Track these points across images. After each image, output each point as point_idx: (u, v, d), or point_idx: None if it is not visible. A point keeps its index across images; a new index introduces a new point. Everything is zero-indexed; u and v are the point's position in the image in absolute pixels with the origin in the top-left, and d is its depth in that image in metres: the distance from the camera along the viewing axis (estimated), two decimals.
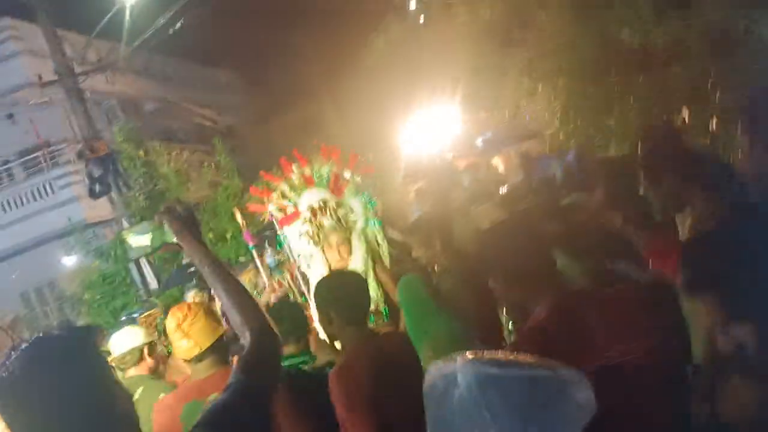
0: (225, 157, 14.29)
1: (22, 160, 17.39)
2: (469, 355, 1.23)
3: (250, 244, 4.95)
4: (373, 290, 3.52)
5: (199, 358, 2.74)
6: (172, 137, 19.10)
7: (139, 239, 1.75)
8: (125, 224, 11.71)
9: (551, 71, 7.29)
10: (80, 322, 13.55)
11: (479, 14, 8.62)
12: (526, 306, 1.76)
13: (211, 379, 2.67)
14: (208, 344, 2.72)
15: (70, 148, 14.95)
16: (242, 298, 1.55)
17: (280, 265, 5.19)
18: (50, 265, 15.73)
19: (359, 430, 2.20)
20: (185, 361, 2.82)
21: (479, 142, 15.22)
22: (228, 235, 12.29)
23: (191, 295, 8.25)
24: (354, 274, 2.82)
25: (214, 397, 1.46)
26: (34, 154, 16.99)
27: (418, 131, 17.02)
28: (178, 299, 10.06)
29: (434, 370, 1.25)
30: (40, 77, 12.83)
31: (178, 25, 12.42)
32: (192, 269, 10.13)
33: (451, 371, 1.20)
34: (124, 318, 9.56)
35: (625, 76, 6.51)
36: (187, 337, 2.72)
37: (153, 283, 11.13)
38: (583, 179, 3.60)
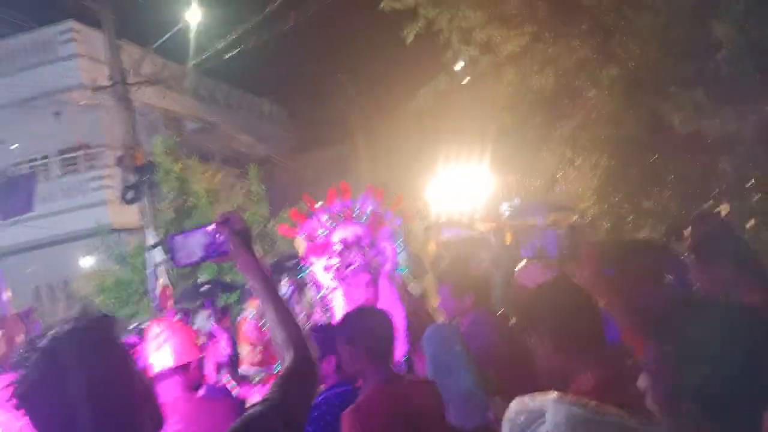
0: (256, 184, 14.46)
1: (61, 157, 17.76)
2: (556, 394, 1.21)
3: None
4: None
5: (178, 371, 2.63)
6: (208, 157, 19.41)
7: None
8: (148, 234, 11.83)
9: (594, 144, 7.26)
10: None
11: (528, 81, 8.69)
12: (566, 371, 1.69)
13: (173, 405, 2.49)
14: (181, 362, 2.63)
15: (108, 153, 15.24)
16: (288, 317, 1.58)
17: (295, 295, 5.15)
18: (67, 264, 15.86)
19: None
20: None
21: (504, 207, 15.19)
22: None
23: (200, 318, 8.21)
24: (382, 312, 2.77)
25: None
26: (73, 154, 17.35)
27: (447, 186, 17.07)
28: (187, 315, 10.06)
29: (519, 405, 1.25)
30: (93, 81, 13.20)
31: (234, 52, 12.77)
32: (203, 288, 10.20)
33: (538, 408, 1.19)
34: (132, 327, 9.58)
35: (668, 160, 6.47)
36: (159, 350, 2.63)
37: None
38: (574, 254, 3.59)
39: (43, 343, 1.19)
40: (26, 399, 1.16)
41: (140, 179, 11.37)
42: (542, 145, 8.03)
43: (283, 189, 22.30)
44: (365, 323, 2.43)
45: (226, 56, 12.57)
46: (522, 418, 1.22)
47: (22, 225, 15.47)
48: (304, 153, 28.18)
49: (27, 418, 1.16)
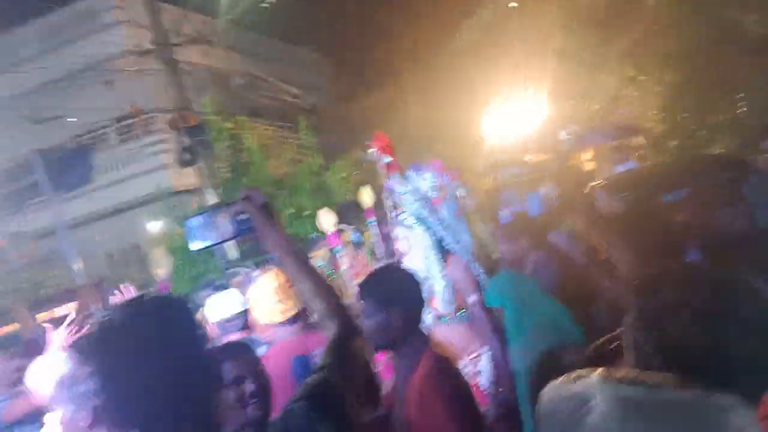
0: (307, 135, 14.43)
1: (117, 126, 18.17)
2: (602, 371, 1.04)
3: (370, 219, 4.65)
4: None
5: (293, 320, 2.91)
6: (257, 113, 19.47)
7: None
8: (208, 194, 12.03)
9: (656, 59, 6.81)
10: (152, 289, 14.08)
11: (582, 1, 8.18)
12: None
13: (307, 338, 2.85)
14: (301, 307, 2.89)
15: (162, 117, 15.44)
16: (323, 287, 1.54)
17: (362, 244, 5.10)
18: (136, 229, 16.40)
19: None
20: (277, 323, 2.93)
21: (564, 135, 14.70)
22: (306, 213, 12.41)
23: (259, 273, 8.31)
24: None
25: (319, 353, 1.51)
26: (128, 121, 17.70)
27: (501, 119, 16.65)
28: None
29: (560, 389, 1.06)
30: (138, 46, 13.28)
31: (271, 2, 12.58)
32: None
33: (581, 392, 1.01)
34: (206, 284, 9.84)
35: (741, 68, 6.00)
36: (286, 298, 2.89)
37: (233, 254, 11.41)
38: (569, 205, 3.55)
39: (121, 305, 1.24)
40: (97, 346, 1.17)
41: (194, 140, 11.49)
42: (599, 65, 7.62)
43: (334, 139, 22.31)
44: (413, 285, 2.20)
45: (265, 5, 12.37)
46: (563, 410, 1.03)
47: (89, 196, 16.09)
48: (351, 101, 27.93)
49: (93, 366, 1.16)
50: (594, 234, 2.51)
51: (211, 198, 11.77)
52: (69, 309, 5.23)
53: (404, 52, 27.21)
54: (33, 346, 4.64)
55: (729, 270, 1.17)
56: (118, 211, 16.80)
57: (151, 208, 14.12)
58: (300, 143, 14.86)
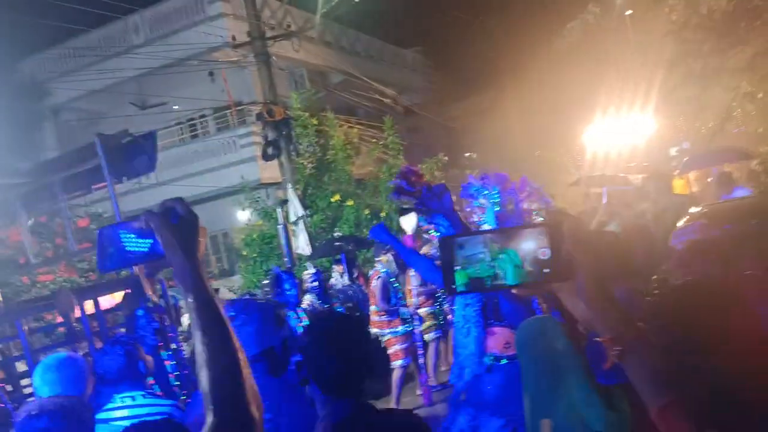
0: (393, 137, 14.15)
1: (215, 115, 18.70)
2: None
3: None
4: None
5: None
6: (351, 111, 19.42)
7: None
8: (288, 189, 11.98)
9: None
10: (237, 276, 14.27)
11: (698, 7, 7.33)
12: None
13: None
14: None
15: (255, 110, 15.67)
16: (225, 358, 1.12)
17: None
18: (225, 217, 16.76)
19: None
20: None
21: (673, 152, 13.57)
22: (383, 214, 12.12)
23: (335, 274, 8.08)
24: None
25: None
26: (225, 111, 18.15)
27: (604, 130, 15.63)
28: (327, 269, 10.09)
29: None
30: (233, 38, 13.47)
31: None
32: (338, 243, 10.13)
33: None
34: (269, 271, 9.78)
35: None
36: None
37: (307, 250, 11.31)
38: None
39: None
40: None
41: (278, 135, 11.48)
42: (712, 78, 6.77)
43: (427, 141, 21.91)
44: None
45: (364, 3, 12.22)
46: None
47: (186, 181, 16.59)
48: (450, 104, 27.44)
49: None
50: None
51: (291, 193, 11.70)
52: (114, 298, 5.15)
53: (503, 58, 26.39)
54: (74, 335, 4.58)
55: None
56: (210, 198, 17.23)
57: (238, 198, 14.29)
58: (385, 143, 14.59)
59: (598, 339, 1.13)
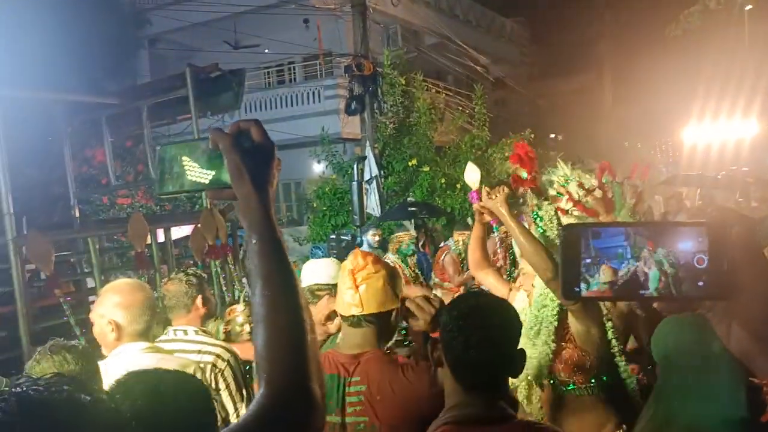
0: (481, 107, 13.69)
1: (304, 63, 18.67)
2: None
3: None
4: None
5: (355, 322, 2.12)
6: (440, 76, 18.96)
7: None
8: (368, 147, 11.82)
9: None
10: (304, 227, 14.32)
11: None
12: None
13: (357, 359, 2.10)
14: (371, 310, 2.10)
15: (345, 62, 15.50)
16: (288, 317, 0.93)
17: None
18: (302, 167, 16.83)
19: None
20: (342, 317, 2.19)
21: None
22: (459, 185, 11.81)
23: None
24: None
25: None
26: (313, 61, 18.07)
27: (704, 130, 14.67)
28: (393, 233, 9.92)
29: None
30: None
31: None
32: (412, 208, 9.91)
33: None
34: (333, 236, 9.72)
35: None
36: (354, 289, 2.11)
37: (377, 211, 11.16)
38: None
39: None
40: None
41: (364, 90, 11.29)
42: None
43: (512, 116, 21.22)
44: None
45: None
46: None
47: (268, 126, 16.70)
48: (541, 80, 26.46)
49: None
50: None
51: (369, 151, 11.55)
52: (184, 232, 5.15)
53: (607, 39, 25.07)
54: (143, 260, 4.60)
55: None
56: (289, 146, 17.35)
57: (315, 150, 14.26)
58: (471, 113, 14.16)
59: (755, 381, 0.89)
